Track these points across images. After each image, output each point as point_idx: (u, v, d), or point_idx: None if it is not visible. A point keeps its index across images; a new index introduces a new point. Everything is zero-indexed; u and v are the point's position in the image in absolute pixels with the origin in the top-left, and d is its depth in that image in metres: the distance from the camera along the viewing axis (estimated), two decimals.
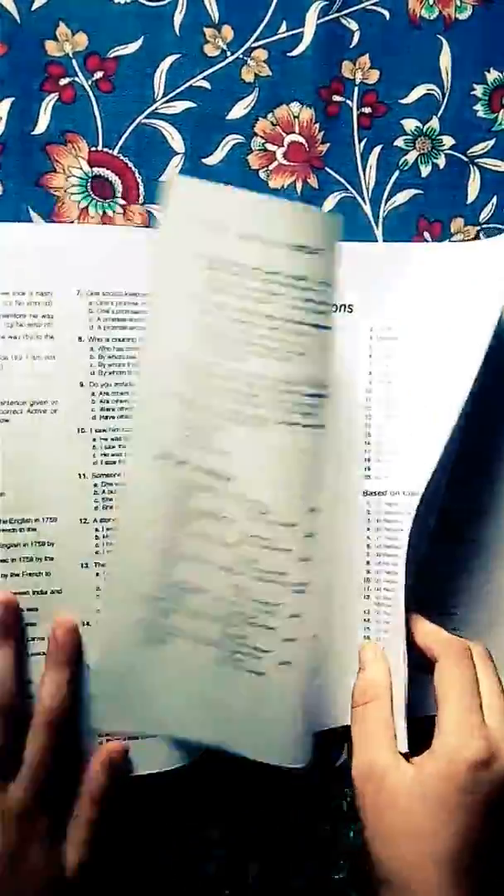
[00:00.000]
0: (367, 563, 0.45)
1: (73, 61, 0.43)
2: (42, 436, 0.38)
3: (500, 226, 0.48)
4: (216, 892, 0.46)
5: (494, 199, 0.48)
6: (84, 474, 0.39)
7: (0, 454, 0.38)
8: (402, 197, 0.47)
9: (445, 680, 0.37)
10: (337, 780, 0.47)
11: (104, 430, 0.39)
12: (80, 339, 0.38)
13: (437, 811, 0.34)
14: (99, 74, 0.43)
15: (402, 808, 0.35)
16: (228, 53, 0.44)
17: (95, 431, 0.39)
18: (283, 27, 0.45)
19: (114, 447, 0.39)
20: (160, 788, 0.43)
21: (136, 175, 0.44)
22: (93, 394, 0.39)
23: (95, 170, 0.43)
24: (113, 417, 0.39)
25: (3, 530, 0.38)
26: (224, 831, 0.46)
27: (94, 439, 0.39)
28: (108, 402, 0.39)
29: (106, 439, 0.39)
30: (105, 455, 0.39)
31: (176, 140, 0.44)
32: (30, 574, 0.38)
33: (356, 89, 0.46)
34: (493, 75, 0.47)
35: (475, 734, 0.35)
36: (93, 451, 0.39)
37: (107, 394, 0.39)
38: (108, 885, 0.44)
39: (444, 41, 0.47)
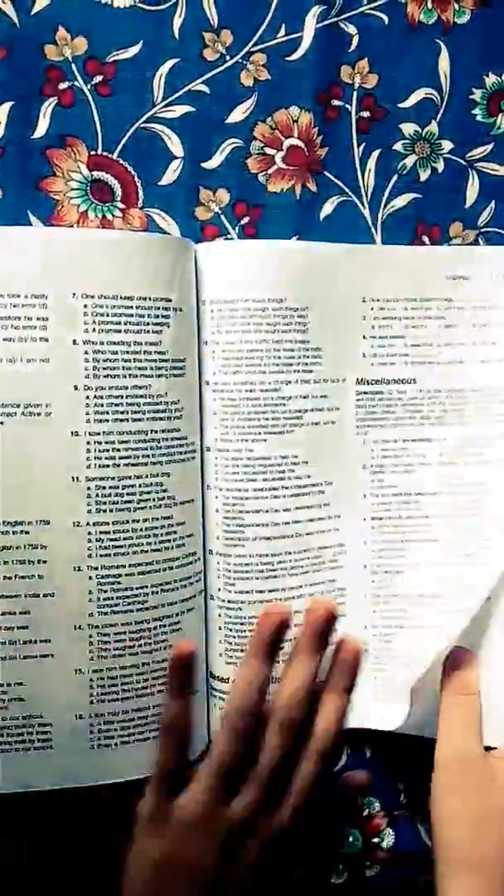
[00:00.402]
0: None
1: (73, 65, 0.43)
2: (35, 439, 0.38)
3: (498, 230, 0.48)
4: None
5: (493, 203, 0.48)
6: (77, 478, 0.39)
7: None
8: (401, 201, 0.47)
9: None
10: (337, 787, 0.47)
11: (98, 434, 0.39)
12: (74, 342, 0.38)
13: None
14: (98, 78, 0.43)
15: (487, 794, 0.39)
16: (227, 57, 0.45)
17: (89, 435, 0.39)
18: (282, 31, 0.45)
19: (108, 451, 0.39)
20: None
21: (136, 179, 0.44)
22: (87, 397, 0.39)
23: (95, 174, 0.44)
24: (107, 421, 0.39)
25: None
26: None
27: (89, 442, 0.39)
28: (102, 405, 0.39)
29: (100, 443, 0.39)
30: (99, 458, 0.39)
31: (175, 144, 0.44)
32: (22, 577, 0.38)
33: (355, 93, 0.46)
34: (491, 79, 0.47)
35: None
36: (87, 454, 0.39)
37: (101, 397, 0.39)
38: (112, 887, 0.44)
39: (443, 45, 0.47)
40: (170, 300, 0.41)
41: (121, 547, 0.39)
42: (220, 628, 0.43)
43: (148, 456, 0.40)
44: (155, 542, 0.40)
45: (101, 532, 0.39)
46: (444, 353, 0.46)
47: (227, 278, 0.42)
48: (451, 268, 0.46)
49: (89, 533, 0.39)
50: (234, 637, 0.43)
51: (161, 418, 0.40)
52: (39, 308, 0.38)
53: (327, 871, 0.47)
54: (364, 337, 0.45)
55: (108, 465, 0.39)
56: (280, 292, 0.42)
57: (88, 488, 0.39)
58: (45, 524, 0.38)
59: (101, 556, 0.39)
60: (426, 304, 0.45)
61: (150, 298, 0.40)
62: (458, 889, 0.37)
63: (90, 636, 0.39)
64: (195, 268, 0.42)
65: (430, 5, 0.46)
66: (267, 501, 0.43)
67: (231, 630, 0.43)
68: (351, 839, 0.47)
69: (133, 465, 0.40)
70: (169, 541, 0.41)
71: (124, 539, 0.39)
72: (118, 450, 0.39)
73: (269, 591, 0.43)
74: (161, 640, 0.41)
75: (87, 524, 0.39)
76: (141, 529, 0.40)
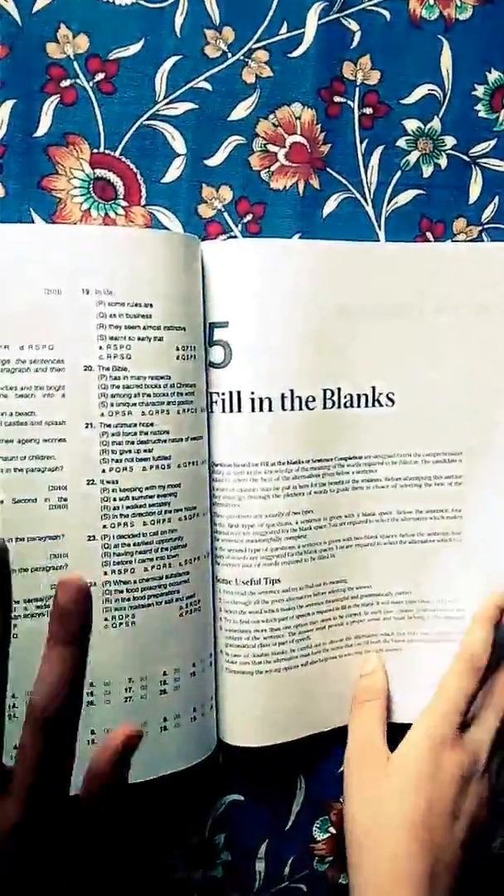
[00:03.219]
0: None
1: (75, 63, 0.43)
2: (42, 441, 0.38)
3: (502, 226, 0.48)
4: None
5: (496, 199, 0.48)
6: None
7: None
8: (405, 197, 0.47)
9: (440, 684, 0.44)
10: (339, 785, 0.47)
11: (110, 426, 0.39)
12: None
13: (406, 781, 0.41)
14: (100, 76, 0.43)
15: (382, 778, 0.42)
16: (229, 55, 0.44)
17: (104, 426, 0.39)
18: (284, 28, 0.45)
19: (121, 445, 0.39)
20: (166, 792, 0.43)
21: (139, 177, 0.44)
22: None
23: (97, 172, 0.43)
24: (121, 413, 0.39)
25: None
26: (230, 835, 0.46)
27: (104, 434, 0.39)
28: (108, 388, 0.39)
29: (116, 435, 0.39)
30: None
31: (178, 141, 0.44)
32: None
33: (357, 90, 0.46)
34: (493, 75, 0.47)
35: (445, 723, 0.42)
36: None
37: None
38: (115, 891, 0.44)
39: (445, 41, 0.47)
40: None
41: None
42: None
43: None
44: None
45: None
46: None
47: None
48: None
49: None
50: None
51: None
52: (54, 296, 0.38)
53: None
54: None
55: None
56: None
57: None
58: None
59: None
60: None
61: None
62: (367, 869, 0.40)
63: None
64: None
65: (432, 1, 0.46)
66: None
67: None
68: None
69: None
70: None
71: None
72: (132, 442, 0.40)
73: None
74: None
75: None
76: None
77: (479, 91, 0.47)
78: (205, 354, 0.43)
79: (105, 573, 0.39)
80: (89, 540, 0.38)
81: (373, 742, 0.44)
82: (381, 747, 0.44)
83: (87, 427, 0.38)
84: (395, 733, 0.44)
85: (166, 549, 0.40)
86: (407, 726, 0.43)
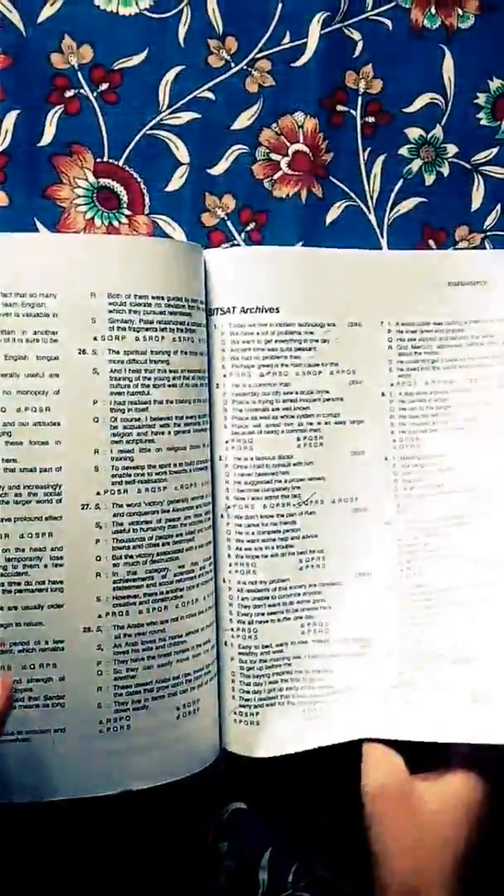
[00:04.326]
0: None
1: (79, 73, 0.43)
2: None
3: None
4: None
5: (499, 207, 0.48)
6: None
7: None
8: (407, 205, 0.47)
9: None
10: (349, 792, 0.47)
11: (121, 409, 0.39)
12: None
13: (449, 822, 0.39)
14: (104, 86, 0.43)
15: (420, 817, 0.39)
16: (232, 64, 0.45)
17: (113, 418, 0.39)
18: (287, 38, 0.45)
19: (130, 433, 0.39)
20: (169, 800, 0.42)
21: (142, 186, 0.44)
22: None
23: (101, 181, 0.44)
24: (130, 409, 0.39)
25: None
26: (234, 843, 0.46)
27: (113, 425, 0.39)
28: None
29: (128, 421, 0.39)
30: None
31: (181, 151, 0.44)
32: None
33: (360, 99, 0.46)
34: (495, 84, 0.47)
35: None
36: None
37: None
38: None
39: (447, 50, 0.47)
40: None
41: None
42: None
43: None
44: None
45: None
46: None
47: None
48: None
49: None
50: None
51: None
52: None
53: None
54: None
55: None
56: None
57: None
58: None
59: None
60: None
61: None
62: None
63: None
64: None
65: (433, 11, 0.47)
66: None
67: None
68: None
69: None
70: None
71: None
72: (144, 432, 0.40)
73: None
74: None
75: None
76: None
77: (481, 99, 0.47)
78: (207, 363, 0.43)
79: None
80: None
81: (398, 773, 0.41)
82: (409, 781, 0.40)
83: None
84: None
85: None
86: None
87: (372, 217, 0.47)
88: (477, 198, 0.48)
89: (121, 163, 0.44)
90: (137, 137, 0.44)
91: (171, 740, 0.40)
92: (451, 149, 0.47)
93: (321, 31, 0.45)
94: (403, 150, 0.47)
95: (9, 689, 0.36)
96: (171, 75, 0.44)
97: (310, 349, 0.43)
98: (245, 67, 0.45)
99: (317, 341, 0.43)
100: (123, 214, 0.44)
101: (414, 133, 0.47)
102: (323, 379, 0.43)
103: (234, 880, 0.46)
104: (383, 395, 0.45)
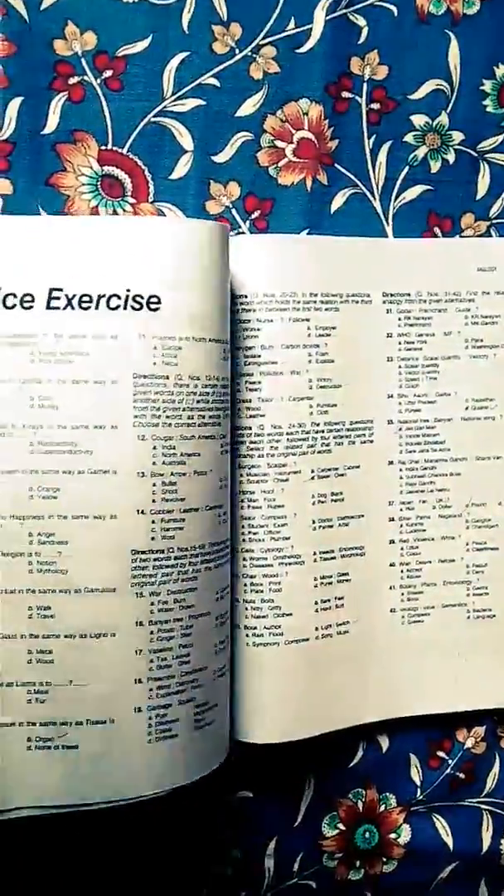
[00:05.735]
0: None
1: (82, 60, 0.43)
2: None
3: None
4: (232, 894, 0.46)
5: None
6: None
7: None
8: (412, 193, 0.47)
9: None
10: (349, 781, 0.47)
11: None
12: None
13: None
14: (108, 73, 0.43)
15: None
16: (237, 51, 0.44)
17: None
18: (292, 24, 0.45)
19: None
20: (174, 790, 0.42)
21: (146, 173, 0.44)
22: None
23: (105, 168, 0.43)
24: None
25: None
26: (239, 832, 0.46)
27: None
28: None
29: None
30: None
31: (185, 138, 0.44)
32: None
33: (365, 85, 0.46)
34: (501, 70, 0.47)
35: None
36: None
37: None
38: (124, 888, 0.44)
39: (453, 36, 0.47)
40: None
41: None
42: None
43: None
44: None
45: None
46: None
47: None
48: None
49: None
50: None
51: None
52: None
53: None
54: None
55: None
56: None
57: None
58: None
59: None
60: None
61: None
62: None
63: None
64: None
65: None
66: None
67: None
68: (367, 835, 0.47)
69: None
70: None
71: None
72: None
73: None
74: None
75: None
76: None
77: (487, 86, 0.47)
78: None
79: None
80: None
81: None
82: None
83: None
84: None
85: None
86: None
87: (377, 204, 0.47)
88: (483, 185, 0.48)
89: (125, 150, 0.44)
90: (142, 125, 0.44)
91: (198, 736, 0.40)
92: (457, 136, 0.47)
93: (326, 17, 0.45)
94: (409, 138, 0.47)
95: None
96: (175, 62, 0.44)
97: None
98: (250, 54, 0.45)
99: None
100: (128, 202, 0.44)
101: (419, 120, 0.47)
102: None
103: (240, 868, 0.46)
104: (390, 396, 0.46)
